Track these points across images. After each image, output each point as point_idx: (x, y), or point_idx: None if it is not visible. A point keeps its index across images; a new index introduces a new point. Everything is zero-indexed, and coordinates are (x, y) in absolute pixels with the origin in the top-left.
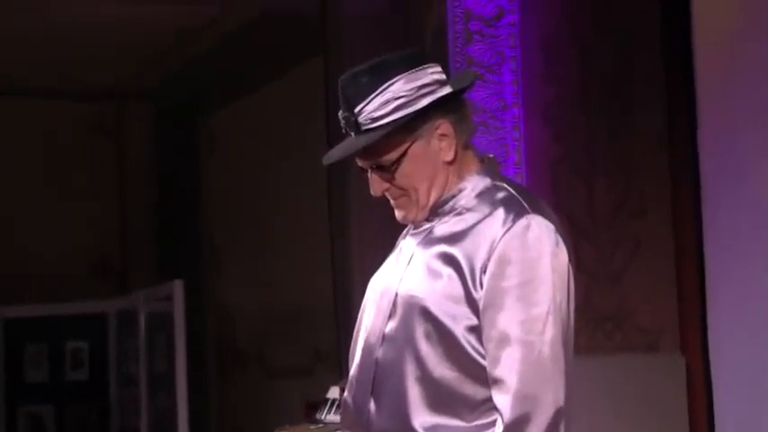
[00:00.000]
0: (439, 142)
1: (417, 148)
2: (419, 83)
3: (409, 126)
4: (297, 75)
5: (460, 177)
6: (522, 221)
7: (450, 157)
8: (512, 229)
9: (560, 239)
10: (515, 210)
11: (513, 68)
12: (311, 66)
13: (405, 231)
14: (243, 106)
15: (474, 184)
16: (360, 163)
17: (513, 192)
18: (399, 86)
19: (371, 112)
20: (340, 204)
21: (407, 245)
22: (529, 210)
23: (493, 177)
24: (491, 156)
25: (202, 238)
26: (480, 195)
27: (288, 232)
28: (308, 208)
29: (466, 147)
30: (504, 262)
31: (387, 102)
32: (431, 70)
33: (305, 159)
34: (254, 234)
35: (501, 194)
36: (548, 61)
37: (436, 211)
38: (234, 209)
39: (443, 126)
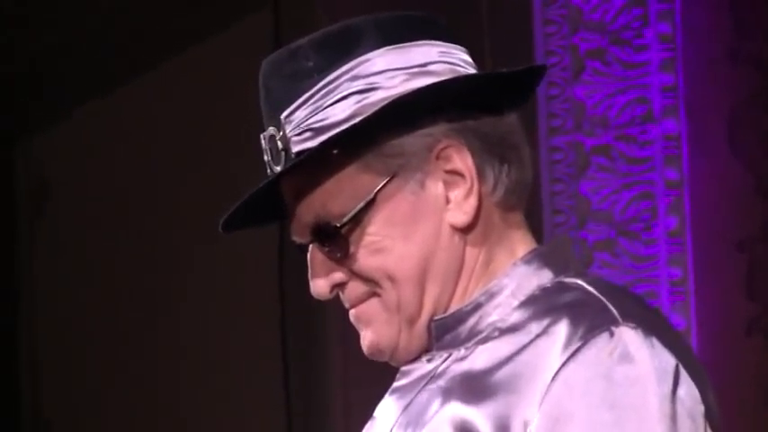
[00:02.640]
0: (444, 188)
1: (396, 191)
2: (408, 63)
3: (379, 146)
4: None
5: (492, 267)
6: (602, 338)
7: (463, 218)
8: (581, 352)
9: (686, 377)
10: (591, 318)
11: (666, 37)
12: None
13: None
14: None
15: (519, 280)
16: (293, 234)
17: (593, 291)
18: (365, 69)
19: (308, 117)
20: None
21: (386, 408)
22: (618, 317)
23: (558, 269)
24: (563, 239)
25: (19, 392)
26: (530, 302)
27: (206, 378)
28: (246, 320)
29: (509, 207)
30: (562, 419)
31: (342, 98)
32: (439, 49)
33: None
34: (127, 389)
35: (568, 296)
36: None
37: (441, 337)
38: (86, 330)
39: (452, 152)
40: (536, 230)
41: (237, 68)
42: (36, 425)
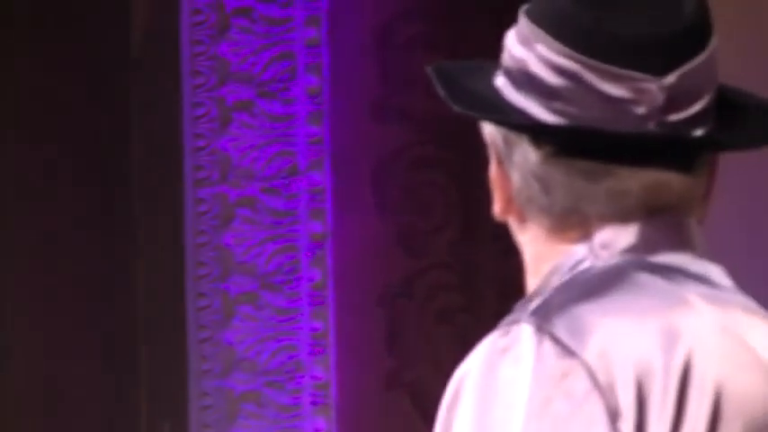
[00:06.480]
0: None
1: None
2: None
3: None
4: None
5: (555, 250)
6: (492, 337)
7: (498, 204)
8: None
9: (586, 379)
10: (512, 317)
11: (313, 90)
12: None
13: None
14: None
15: (569, 260)
16: None
17: (578, 280)
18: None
19: None
20: None
21: None
22: (528, 316)
23: (610, 249)
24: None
25: None
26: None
27: None
28: None
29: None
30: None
31: None
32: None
33: None
34: None
35: (555, 281)
36: None
37: None
38: None
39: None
40: (179, 281)
41: None
42: None
